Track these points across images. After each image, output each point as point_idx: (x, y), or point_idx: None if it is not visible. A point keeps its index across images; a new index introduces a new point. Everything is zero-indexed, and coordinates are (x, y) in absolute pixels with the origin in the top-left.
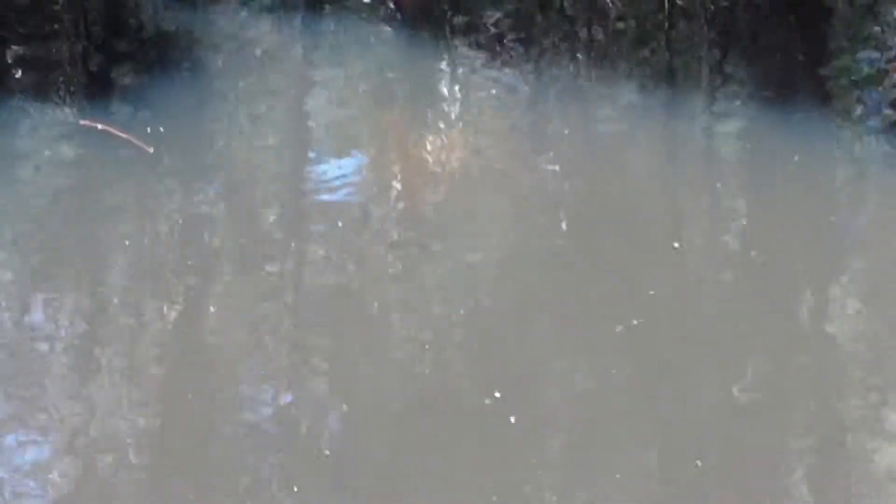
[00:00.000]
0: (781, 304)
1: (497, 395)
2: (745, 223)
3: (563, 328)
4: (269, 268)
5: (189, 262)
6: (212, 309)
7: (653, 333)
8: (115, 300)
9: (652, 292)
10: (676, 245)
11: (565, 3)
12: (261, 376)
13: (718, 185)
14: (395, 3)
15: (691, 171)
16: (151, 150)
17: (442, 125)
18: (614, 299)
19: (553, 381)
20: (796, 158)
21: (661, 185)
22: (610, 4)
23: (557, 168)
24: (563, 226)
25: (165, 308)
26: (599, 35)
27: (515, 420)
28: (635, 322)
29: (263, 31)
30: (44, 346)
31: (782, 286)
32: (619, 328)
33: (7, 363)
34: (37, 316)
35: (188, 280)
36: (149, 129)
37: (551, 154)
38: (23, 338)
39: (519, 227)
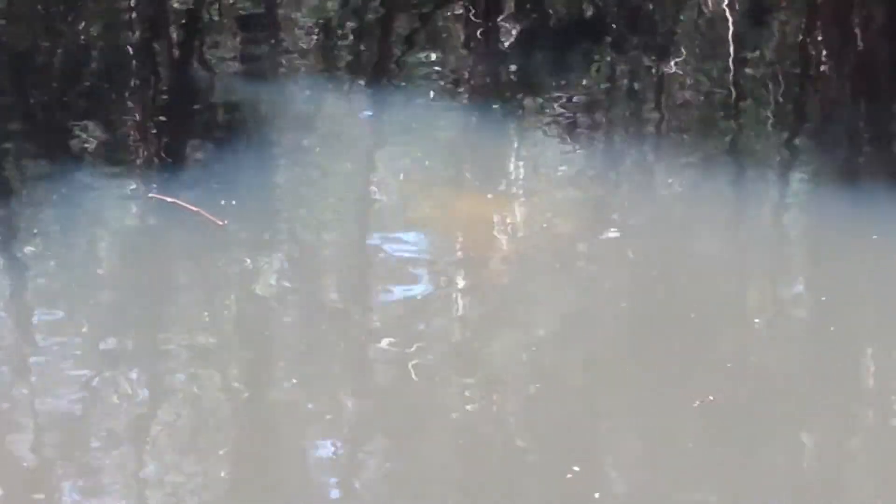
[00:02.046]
0: (851, 375)
1: (576, 468)
2: (809, 294)
3: (636, 401)
4: (333, 340)
5: (253, 335)
6: (275, 378)
7: (729, 408)
8: (179, 369)
9: (729, 365)
10: (757, 321)
11: (634, 84)
12: (323, 445)
13: (784, 256)
14: (462, 81)
15: (759, 245)
16: (222, 223)
17: (509, 198)
18: (688, 373)
19: (630, 455)
20: (874, 237)
21: (728, 259)
22: (678, 79)
23: (625, 240)
24: (632, 299)
25: (227, 377)
26: (667, 112)
27: (600, 496)
28: (711, 397)
29: (332, 107)
30: (108, 400)
31: (852, 358)
32: (696, 403)
33: (70, 427)
34: (100, 381)
35: (251, 351)
36: (222, 202)
37: (619, 228)
38: (86, 403)
39: (587, 300)
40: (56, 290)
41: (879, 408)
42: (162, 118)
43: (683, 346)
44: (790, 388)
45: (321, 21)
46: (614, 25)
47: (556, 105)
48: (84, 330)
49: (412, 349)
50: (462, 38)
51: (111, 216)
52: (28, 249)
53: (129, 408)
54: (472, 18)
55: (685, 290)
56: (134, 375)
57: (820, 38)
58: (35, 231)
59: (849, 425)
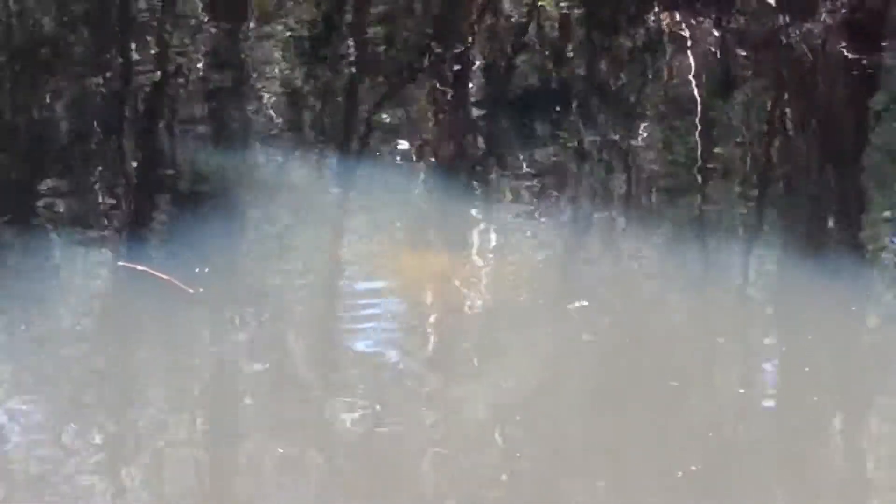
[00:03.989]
0: (836, 446)
1: None
2: (791, 365)
3: (617, 470)
4: (300, 406)
5: (220, 402)
6: (241, 447)
7: (711, 478)
8: (148, 441)
9: (710, 434)
10: (742, 391)
11: (602, 154)
12: None
13: (764, 326)
14: (429, 148)
15: (735, 315)
16: (192, 291)
17: (474, 264)
18: (668, 442)
19: None
20: (853, 308)
21: (705, 329)
22: (644, 153)
23: (594, 308)
24: (606, 367)
25: (195, 448)
26: (634, 182)
27: None
28: (694, 467)
29: (298, 173)
30: (75, 470)
31: (837, 428)
32: (679, 474)
33: (37, 493)
34: (67, 450)
35: (219, 419)
36: (196, 270)
37: (589, 295)
38: (53, 470)
39: (561, 367)
40: (24, 360)
41: (865, 477)
42: (130, 186)
43: (662, 416)
44: (774, 458)
45: (289, 89)
46: (581, 95)
47: (522, 173)
48: (51, 401)
49: (380, 415)
50: (429, 106)
51: (80, 284)
52: None
53: (94, 481)
54: (440, 87)
55: (661, 360)
56: (102, 446)
57: (786, 109)
58: (1, 300)
59: (836, 493)
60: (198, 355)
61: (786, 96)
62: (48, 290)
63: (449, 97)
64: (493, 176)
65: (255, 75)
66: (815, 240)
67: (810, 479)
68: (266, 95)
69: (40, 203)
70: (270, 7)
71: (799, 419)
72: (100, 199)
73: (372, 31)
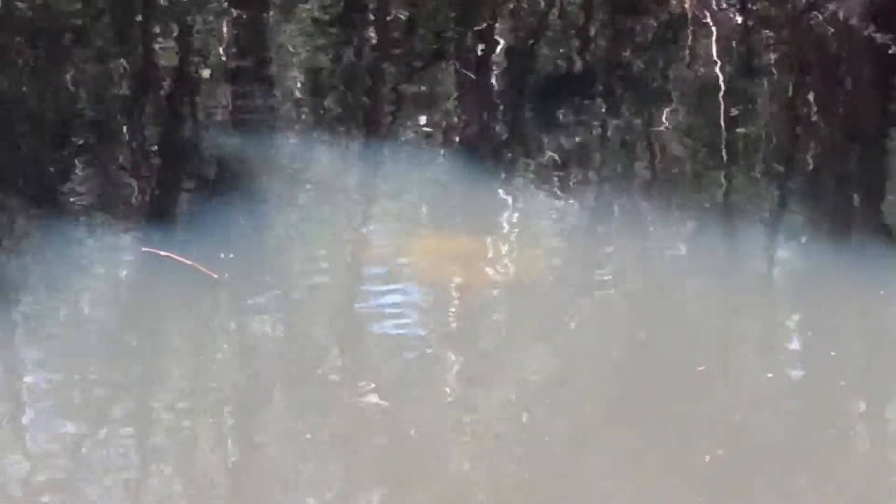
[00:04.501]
0: (864, 429)
1: None
2: (819, 349)
3: (640, 457)
4: (325, 389)
5: (243, 387)
6: (265, 431)
7: (737, 464)
8: (169, 425)
9: (736, 418)
10: (770, 375)
11: (625, 137)
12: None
13: (790, 310)
14: (453, 132)
15: (749, 298)
16: (216, 276)
17: (498, 247)
18: (693, 427)
19: None
20: (881, 292)
21: (719, 312)
22: (668, 134)
23: (618, 294)
24: (622, 351)
25: (218, 432)
26: (658, 165)
27: None
28: (720, 451)
29: (322, 159)
30: (101, 457)
31: (865, 412)
32: (707, 458)
33: (64, 478)
34: (93, 434)
35: (243, 404)
36: (220, 255)
37: (612, 281)
38: (80, 454)
39: (584, 354)
40: (47, 347)
41: (893, 463)
42: (154, 172)
43: (688, 400)
44: (800, 443)
45: (312, 74)
46: (604, 78)
47: (545, 156)
48: (74, 388)
49: (404, 404)
50: (453, 91)
51: (103, 270)
52: (18, 304)
53: (120, 467)
54: (463, 71)
55: (687, 344)
56: (124, 435)
57: (810, 91)
58: (25, 286)
59: (864, 479)
60: (222, 340)
61: (810, 79)
62: (72, 275)
63: (472, 80)
64: (516, 159)
65: (277, 60)
66: (841, 223)
67: (837, 465)
68: (289, 80)
69: (63, 188)
70: None
71: (825, 404)
72: (123, 185)
73: (394, 15)
